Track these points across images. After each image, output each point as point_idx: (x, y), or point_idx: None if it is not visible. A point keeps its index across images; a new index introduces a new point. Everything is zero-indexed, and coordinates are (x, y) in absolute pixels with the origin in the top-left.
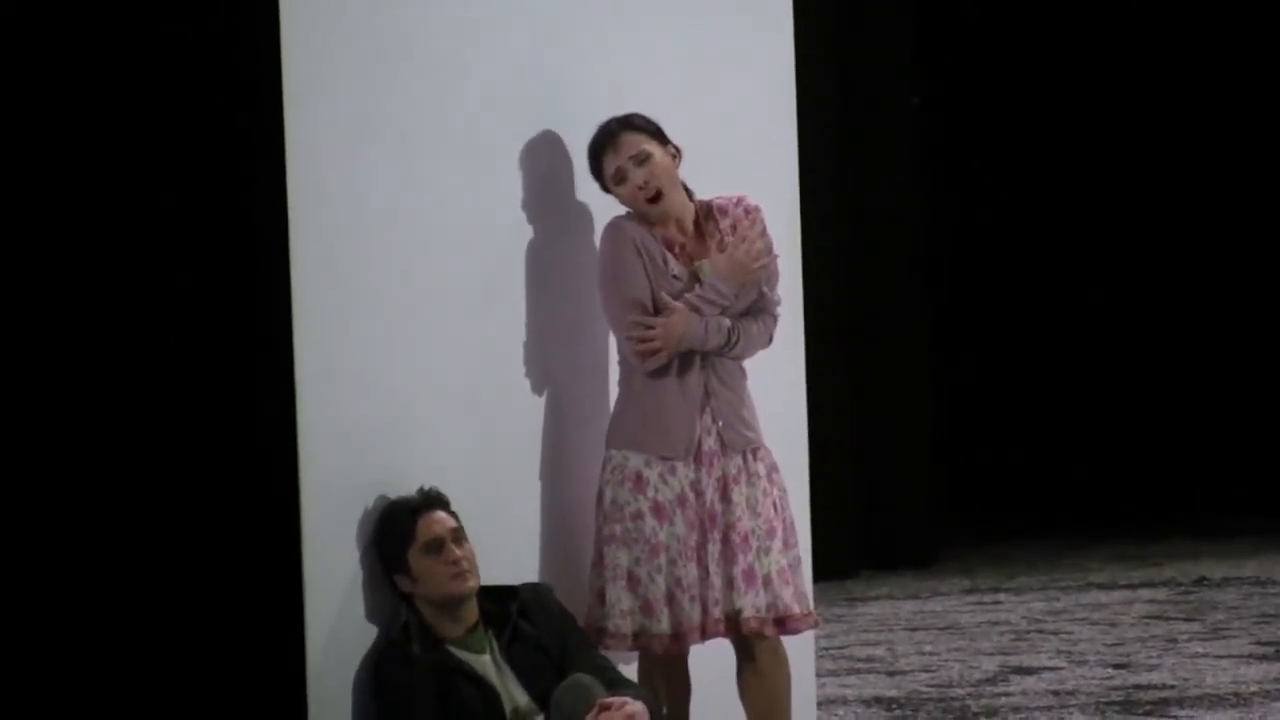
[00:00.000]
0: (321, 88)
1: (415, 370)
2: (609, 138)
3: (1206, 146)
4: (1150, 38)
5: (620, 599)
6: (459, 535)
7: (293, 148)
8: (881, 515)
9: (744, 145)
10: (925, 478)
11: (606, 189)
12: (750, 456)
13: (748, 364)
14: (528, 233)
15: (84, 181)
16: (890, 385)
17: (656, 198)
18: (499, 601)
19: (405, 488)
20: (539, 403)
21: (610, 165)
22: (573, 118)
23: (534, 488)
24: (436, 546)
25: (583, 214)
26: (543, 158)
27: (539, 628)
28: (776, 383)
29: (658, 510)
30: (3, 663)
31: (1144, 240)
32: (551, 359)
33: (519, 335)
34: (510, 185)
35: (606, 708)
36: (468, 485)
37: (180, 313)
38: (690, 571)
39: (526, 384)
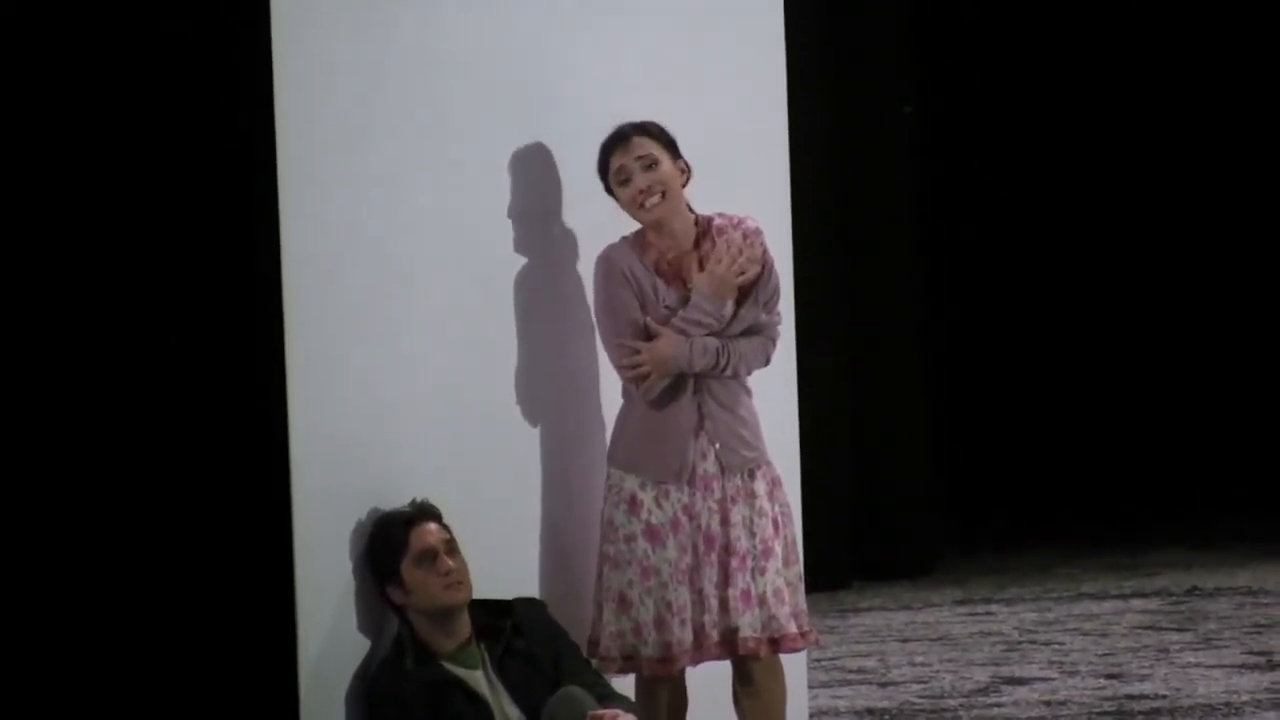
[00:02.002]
0: (314, 95)
1: (407, 382)
2: (622, 138)
3: (1204, 148)
4: (1147, 39)
5: (611, 620)
6: (451, 546)
7: (284, 156)
8: (874, 525)
9: (735, 154)
10: (919, 487)
11: (609, 190)
12: (749, 476)
13: None
14: (517, 242)
15: (75, 185)
16: (885, 394)
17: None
18: (492, 616)
19: (397, 500)
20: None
21: (616, 163)
22: (563, 128)
23: (525, 501)
24: (429, 557)
25: (573, 225)
26: (533, 168)
27: (532, 643)
28: (766, 393)
29: (650, 533)
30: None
31: (1143, 247)
32: (542, 375)
33: (512, 347)
34: (502, 195)
35: (598, 719)
36: (459, 497)
37: (170, 321)
38: (681, 595)
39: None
